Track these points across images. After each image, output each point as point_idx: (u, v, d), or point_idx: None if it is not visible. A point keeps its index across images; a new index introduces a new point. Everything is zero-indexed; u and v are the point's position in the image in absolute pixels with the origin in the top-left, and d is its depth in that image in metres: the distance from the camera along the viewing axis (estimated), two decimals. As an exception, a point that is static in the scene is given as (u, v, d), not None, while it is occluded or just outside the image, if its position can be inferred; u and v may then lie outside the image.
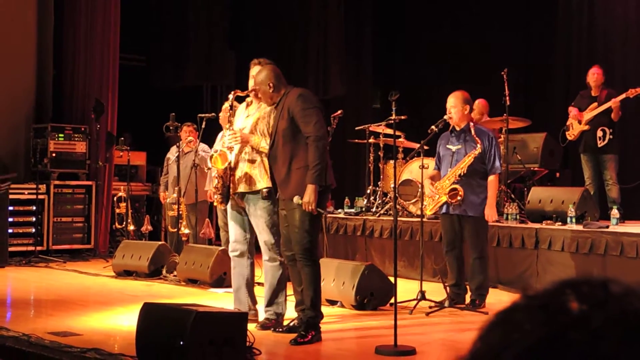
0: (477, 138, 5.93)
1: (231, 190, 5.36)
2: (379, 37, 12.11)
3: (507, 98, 7.97)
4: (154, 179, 10.65)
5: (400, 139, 8.44)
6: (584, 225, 6.77)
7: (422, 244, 6.48)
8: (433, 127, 6.10)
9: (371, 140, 8.81)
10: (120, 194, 9.82)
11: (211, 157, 5.51)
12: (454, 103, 6.02)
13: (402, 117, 7.49)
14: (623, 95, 7.81)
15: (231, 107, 5.42)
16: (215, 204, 5.84)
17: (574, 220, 6.90)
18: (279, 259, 5.32)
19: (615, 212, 7.06)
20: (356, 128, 9.01)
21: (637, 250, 6.14)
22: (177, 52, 11.04)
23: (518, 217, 7.39)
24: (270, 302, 5.34)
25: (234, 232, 5.51)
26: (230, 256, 5.63)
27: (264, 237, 5.32)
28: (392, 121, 7.11)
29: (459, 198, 5.91)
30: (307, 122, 4.95)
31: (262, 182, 5.29)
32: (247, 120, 5.43)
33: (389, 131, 7.80)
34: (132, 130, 10.81)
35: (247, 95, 5.43)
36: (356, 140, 9.47)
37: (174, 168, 8.27)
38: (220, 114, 6.65)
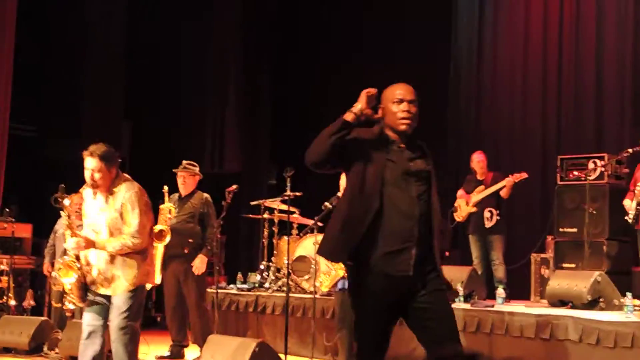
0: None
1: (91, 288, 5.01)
2: (276, 112, 12.26)
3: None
4: (40, 252, 10.27)
5: (294, 215, 8.48)
6: (472, 304, 6.90)
7: (314, 321, 6.45)
8: (327, 203, 6.17)
9: (266, 216, 8.81)
10: (2, 267, 9.43)
11: (60, 268, 5.04)
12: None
13: (298, 194, 7.58)
14: (504, 182, 8.19)
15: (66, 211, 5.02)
16: (75, 304, 5.20)
17: (462, 299, 7.04)
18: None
19: (501, 292, 7.25)
20: (251, 203, 9.00)
21: (521, 330, 6.28)
22: (70, 122, 10.84)
23: (409, 295, 7.49)
24: None
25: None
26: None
27: (118, 321, 4.94)
28: (287, 197, 7.17)
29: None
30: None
31: (126, 282, 4.94)
32: (101, 215, 5.04)
33: (284, 207, 7.83)
34: (21, 201, 10.46)
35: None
36: (251, 216, 9.44)
37: (62, 240, 7.99)
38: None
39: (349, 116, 3.62)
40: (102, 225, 5.00)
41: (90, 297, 5.01)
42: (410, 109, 3.71)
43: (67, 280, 4.99)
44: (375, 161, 3.65)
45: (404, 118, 3.70)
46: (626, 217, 7.33)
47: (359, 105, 3.64)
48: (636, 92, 9.18)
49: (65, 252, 5.12)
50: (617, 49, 9.36)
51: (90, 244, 4.93)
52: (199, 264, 7.17)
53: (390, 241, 3.56)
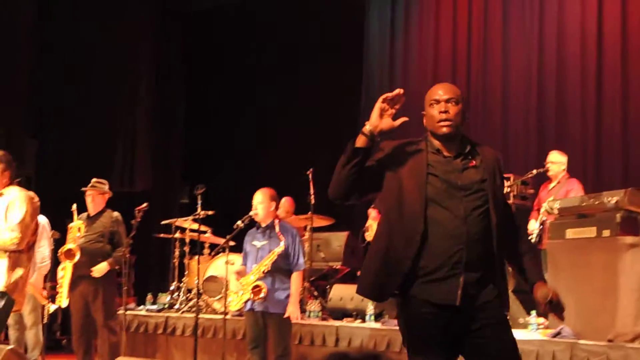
0: (280, 235, 6.00)
1: None
2: (189, 130, 12.15)
3: (312, 197, 8.20)
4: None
5: (206, 235, 8.40)
6: (382, 322, 6.97)
7: (224, 342, 6.38)
8: (239, 222, 6.15)
9: (177, 235, 8.69)
10: None
11: None
12: (260, 199, 6.09)
13: (209, 212, 7.51)
14: None
15: None
16: None
17: (372, 317, 7.10)
18: None
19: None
20: (162, 222, 8.87)
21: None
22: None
23: (320, 314, 7.50)
24: None
25: None
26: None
27: None
28: (198, 216, 7.11)
29: (262, 295, 5.91)
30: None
31: None
32: None
33: (196, 226, 7.75)
34: None
35: None
36: (162, 235, 9.30)
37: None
38: None
39: (359, 141, 3.18)
40: None
41: None
42: (448, 109, 3.24)
43: None
44: (415, 177, 3.17)
45: (441, 120, 3.24)
46: (529, 238, 7.54)
47: (370, 122, 3.21)
48: (541, 114, 9.48)
49: None
50: (523, 70, 9.65)
51: None
52: (101, 268, 6.90)
53: (435, 267, 3.08)
